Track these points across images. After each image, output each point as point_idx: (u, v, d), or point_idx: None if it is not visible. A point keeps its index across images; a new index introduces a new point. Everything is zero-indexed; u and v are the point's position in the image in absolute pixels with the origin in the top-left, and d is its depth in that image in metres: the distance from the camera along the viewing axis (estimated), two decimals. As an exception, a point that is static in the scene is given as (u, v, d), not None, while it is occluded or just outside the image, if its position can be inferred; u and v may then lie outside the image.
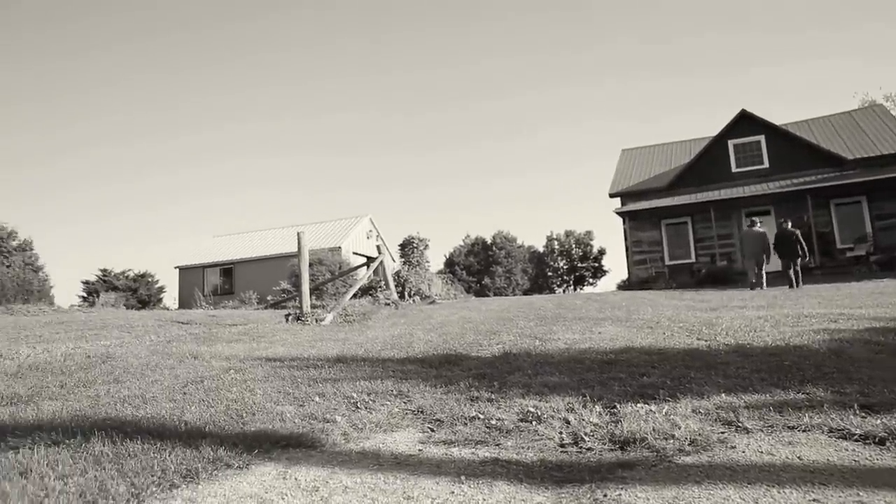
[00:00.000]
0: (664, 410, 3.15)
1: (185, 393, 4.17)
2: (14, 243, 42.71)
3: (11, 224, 44.46)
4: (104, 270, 43.50)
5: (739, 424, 2.89)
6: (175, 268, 37.38)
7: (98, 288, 39.61)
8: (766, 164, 23.60)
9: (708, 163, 24.59)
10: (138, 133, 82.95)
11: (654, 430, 2.80)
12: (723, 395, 3.43)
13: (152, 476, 2.43)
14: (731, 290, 14.49)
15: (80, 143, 79.17)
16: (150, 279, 44.17)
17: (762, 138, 23.86)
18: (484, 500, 2.18)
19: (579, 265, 56.25)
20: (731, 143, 24.36)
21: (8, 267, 35.06)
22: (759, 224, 16.45)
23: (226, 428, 3.19)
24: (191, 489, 2.34)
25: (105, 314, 14.23)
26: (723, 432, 2.81)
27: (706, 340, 5.64)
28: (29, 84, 73.39)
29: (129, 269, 44.07)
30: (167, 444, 2.82)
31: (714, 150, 24.59)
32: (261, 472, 2.53)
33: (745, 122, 24.15)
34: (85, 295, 40.69)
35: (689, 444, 2.64)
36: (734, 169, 24.21)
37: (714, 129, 25.76)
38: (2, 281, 28.55)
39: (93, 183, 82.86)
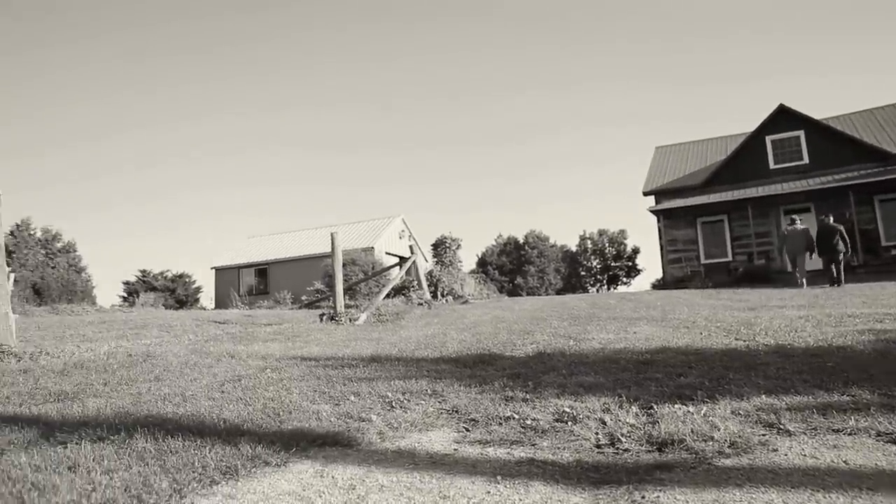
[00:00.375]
0: (703, 411, 3.09)
1: (223, 391, 4.24)
2: (59, 245, 44.13)
3: (56, 227, 45.97)
4: (143, 271, 44.64)
5: (781, 427, 2.82)
6: (211, 268, 38.10)
7: (138, 288, 40.66)
8: (806, 160, 23.01)
9: (745, 159, 24.09)
10: (163, 129, 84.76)
11: (692, 431, 2.76)
12: (763, 396, 3.35)
13: (193, 472, 2.48)
14: (769, 290, 14.17)
15: (111, 140, 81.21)
16: (187, 280, 45.18)
17: (801, 133, 23.27)
18: (520, 500, 2.17)
19: (613, 264, 55.66)
20: (768, 138, 23.81)
21: (53, 268, 36.24)
22: (799, 221, 16.06)
23: (263, 426, 3.24)
24: (230, 486, 2.38)
25: (145, 314, 14.58)
26: (764, 434, 2.75)
27: (745, 341, 5.53)
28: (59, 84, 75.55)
29: (168, 270, 45.17)
30: (207, 442, 2.88)
31: (751, 146, 24.07)
32: (298, 469, 2.56)
33: (783, 118, 23.58)
34: (125, 295, 41.82)
35: (728, 447, 2.59)
36: (772, 165, 23.66)
37: (750, 127, 25.17)
38: (48, 282, 29.52)
39: (118, 180, 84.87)
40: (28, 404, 3.98)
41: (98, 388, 4.50)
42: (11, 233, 40.07)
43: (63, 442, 2.91)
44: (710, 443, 2.64)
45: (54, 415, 3.61)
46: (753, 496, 2.07)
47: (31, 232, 42.77)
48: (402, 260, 15.82)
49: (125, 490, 2.28)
